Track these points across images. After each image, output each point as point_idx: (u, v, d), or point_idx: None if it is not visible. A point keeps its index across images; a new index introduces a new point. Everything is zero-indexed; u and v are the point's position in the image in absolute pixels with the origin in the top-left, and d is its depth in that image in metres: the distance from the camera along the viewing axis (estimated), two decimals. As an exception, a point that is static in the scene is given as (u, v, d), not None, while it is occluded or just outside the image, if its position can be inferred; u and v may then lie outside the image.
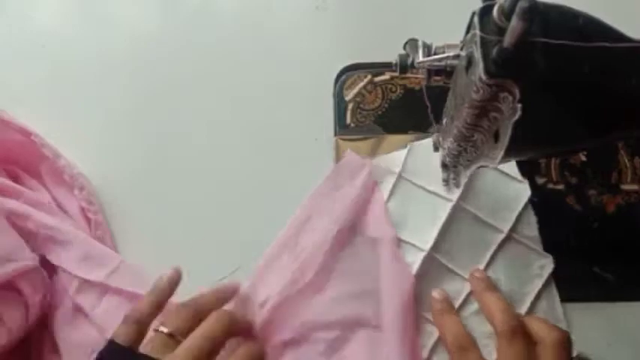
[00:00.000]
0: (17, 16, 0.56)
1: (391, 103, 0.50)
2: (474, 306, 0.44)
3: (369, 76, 0.50)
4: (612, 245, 0.45)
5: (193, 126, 0.51)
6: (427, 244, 0.45)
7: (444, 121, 0.38)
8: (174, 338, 0.38)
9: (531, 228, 0.45)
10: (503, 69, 0.27)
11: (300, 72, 0.52)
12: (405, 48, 0.40)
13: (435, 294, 0.44)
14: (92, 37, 0.55)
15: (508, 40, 0.26)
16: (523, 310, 0.43)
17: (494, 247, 0.45)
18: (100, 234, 0.47)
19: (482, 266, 0.44)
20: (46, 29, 0.56)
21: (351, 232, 0.46)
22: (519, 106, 0.27)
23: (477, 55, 0.28)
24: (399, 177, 0.47)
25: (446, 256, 0.45)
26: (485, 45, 0.27)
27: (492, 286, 0.43)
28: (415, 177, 0.47)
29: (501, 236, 0.45)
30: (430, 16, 0.52)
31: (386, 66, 0.48)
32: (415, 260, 0.45)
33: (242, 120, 0.51)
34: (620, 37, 0.30)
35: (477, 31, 0.28)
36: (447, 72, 0.36)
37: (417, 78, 0.49)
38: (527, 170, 0.46)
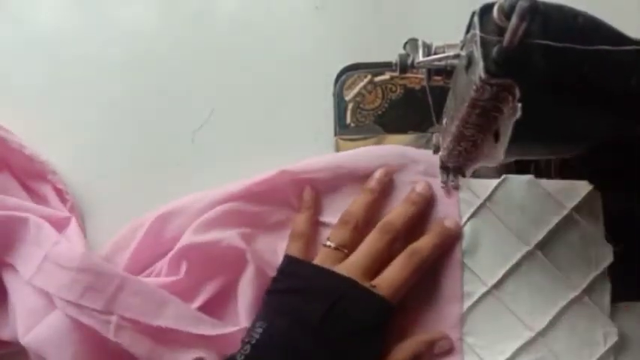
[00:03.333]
0: (17, 15, 0.56)
1: (391, 103, 0.50)
2: (530, 356, 0.43)
3: (369, 76, 0.50)
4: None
5: (193, 126, 0.51)
6: (492, 279, 0.43)
7: (444, 121, 0.38)
8: (341, 251, 0.43)
9: (604, 295, 0.43)
10: (504, 68, 0.27)
11: (300, 72, 0.52)
12: (405, 48, 0.40)
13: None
14: (92, 38, 0.55)
15: (508, 39, 0.26)
16: None
17: (562, 303, 0.43)
18: (76, 215, 0.48)
19: (546, 319, 0.43)
20: (46, 29, 0.56)
21: None
22: (519, 105, 0.27)
23: (477, 54, 0.28)
24: (483, 204, 0.44)
25: (508, 296, 0.43)
26: (485, 45, 0.27)
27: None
28: (499, 210, 0.44)
29: (573, 294, 0.43)
30: (430, 16, 0.52)
31: (386, 66, 0.48)
32: (475, 291, 0.43)
33: (242, 120, 0.51)
34: (619, 36, 0.30)
35: (477, 31, 0.28)
36: (447, 72, 0.36)
37: (417, 78, 0.49)
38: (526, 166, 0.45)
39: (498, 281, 0.43)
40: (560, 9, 0.29)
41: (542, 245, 0.43)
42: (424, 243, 0.43)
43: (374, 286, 0.40)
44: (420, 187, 0.45)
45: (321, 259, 0.43)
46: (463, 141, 0.35)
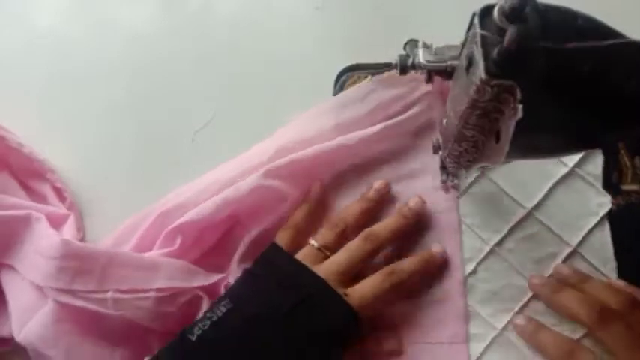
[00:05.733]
0: (17, 16, 0.56)
1: (391, 103, 0.50)
2: (539, 304, 0.43)
3: (369, 76, 0.50)
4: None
5: (193, 126, 0.51)
6: (492, 239, 0.44)
7: (444, 121, 0.38)
8: (322, 252, 0.42)
9: (596, 166, 0.45)
10: (504, 69, 0.27)
11: (300, 72, 0.52)
12: (405, 48, 0.40)
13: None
14: (92, 38, 0.55)
15: (507, 42, 0.26)
16: (575, 241, 0.44)
17: (554, 180, 0.45)
18: (75, 213, 0.48)
19: (541, 194, 0.45)
20: (46, 29, 0.56)
21: None
22: (520, 106, 0.27)
23: (478, 55, 0.28)
24: (483, 173, 0.46)
25: (501, 178, 0.45)
26: (485, 45, 0.27)
27: (558, 285, 0.42)
28: (499, 178, 0.46)
29: (565, 169, 0.45)
30: (430, 17, 0.52)
31: (386, 66, 0.48)
32: (475, 246, 0.44)
33: (242, 120, 0.51)
34: (619, 37, 0.30)
35: (478, 32, 0.28)
36: (447, 72, 0.36)
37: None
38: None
39: (501, 239, 0.44)
40: (560, 10, 0.29)
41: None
42: (406, 266, 0.42)
43: (346, 294, 0.40)
44: (412, 203, 0.45)
45: (302, 255, 0.43)
46: (463, 142, 0.34)
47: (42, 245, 0.42)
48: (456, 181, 0.44)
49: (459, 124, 0.33)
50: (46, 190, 0.49)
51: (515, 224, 0.45)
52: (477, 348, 0.42)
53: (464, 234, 0.45)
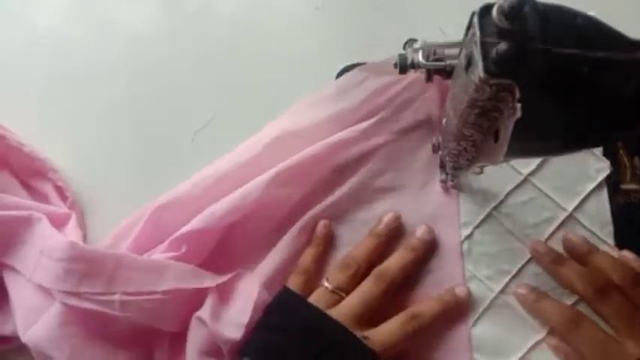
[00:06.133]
0: (17, 16, 0.56)
1: (391, 102, 0.50)
2: (536, 268, 0.43)
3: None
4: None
5: (193, 126, 0.51)
6: (490, 204, 0.45)
7: (444, 120, 0.38)
8: (337, 294, 0.42)
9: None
10: (503, 69, 0.27)
11: (300, 72, 0.52)
12: (404, 48, 0.40)
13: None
14: (92, 37, 0.55)
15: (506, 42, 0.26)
16: (571, 206, 0.44)
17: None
18: (77, 212, 0.48)
19: (538, 159, 0.45)
20: (46, 29, 0.56)
21: None
22: (519, 105, 0.27)
23: (477, 54, 0.28)
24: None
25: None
26: (484, 45, 0.27)
27: (559, 256, 0.42)
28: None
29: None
30: (430, 16, 0.52)
31: (386, 66, 0.48)
32: (472, 210, 0.45)
33: (242, 120, 0.51)
34: (619, 37, 0.30)
35: (477, 31, 0.28)
36: (446, 72, 0.36)
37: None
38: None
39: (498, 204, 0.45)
40: (560, 9, 0.29)
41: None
42: (428, 308, 0.42)
43: (366, 338, 0.39)
44: (420, 232, 0.44)
45: (315, 298, 0.42)
46: (462, 141, 0.35)
47: (48, 247, 0.42)
48: (455, 180, 0.44)
49: (458, 123, 0.33)
50: (48, 188, 0.49)
51: (512, 189, 0.45)
52: (474, 311, 0.43)
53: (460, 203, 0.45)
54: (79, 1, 0.57)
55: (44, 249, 0.43)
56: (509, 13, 0.27)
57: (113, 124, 0.52)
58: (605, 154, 0.46)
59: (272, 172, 0.45)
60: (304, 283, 0.43)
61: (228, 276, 0.43)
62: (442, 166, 0.44)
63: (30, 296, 0.43)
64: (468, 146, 0.35)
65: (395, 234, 0.45)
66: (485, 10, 0.28)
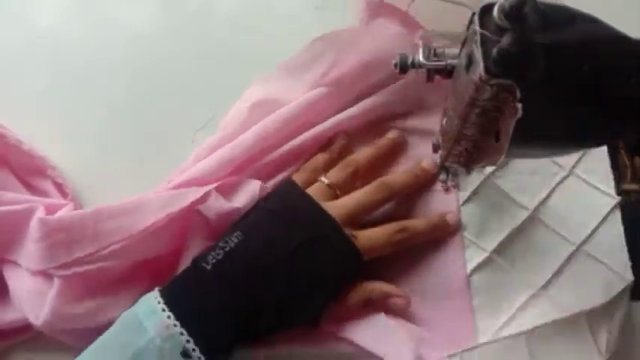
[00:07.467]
0: (17, 16, 0.56)
1: (391, 102, 0.50)
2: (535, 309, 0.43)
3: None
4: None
5: (193, 126, 0.51)
6: (491, 245, 0.44)
7: (444, 120, 0.38)
8: (332, 190, 0.43)
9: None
10: (504, 68, 0.27)
11: (300, 72, 0.52)
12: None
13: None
14: (92, 37, 0.55)
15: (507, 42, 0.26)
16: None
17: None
18: (76, 205, 0.47)
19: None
20: (46, 29, 0.56)
21: None
22: (520, 105, 0.27)
23: (477, 54, 0.28)
24: (488, 178, 0.46)
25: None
26: (485, 44, 0.27)
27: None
28: (502, 181, 0.46)
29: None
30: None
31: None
32: (473, 258, 0.44)
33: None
34: (619, 36, 0.30)
35: (477, 30, 0.28)
36: (447, 71, 0.36)
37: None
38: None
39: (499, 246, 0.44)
40: (560, 9, 0.29)
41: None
42: (419, 227, 0.43)
43: (354, 237, 0.41)
44: (426, 163, 0.46)
45: (311, 190, 0.43)
46: (463, 141, 0.35)
47: (30, 232, 0.42)
48: (456, 181, 0.44)
49: (458, 123, 0.33)
50: (47, 186, 0.48)
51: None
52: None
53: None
54: (79, 1, 0.57)
55: (29, 235, 0.42)
56: (510, 13, 0.27)
57: (113, 124, 0.52)
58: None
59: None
60: (308, 179, 0.44)
61: (213, 185, 0.43)
62: (443, 166, 0.44)
63: (30, 282, 0.43)
64: (468, 146, 0.35)
65: (399, 149, 0.47)
66: (486, 10, 0.28)
